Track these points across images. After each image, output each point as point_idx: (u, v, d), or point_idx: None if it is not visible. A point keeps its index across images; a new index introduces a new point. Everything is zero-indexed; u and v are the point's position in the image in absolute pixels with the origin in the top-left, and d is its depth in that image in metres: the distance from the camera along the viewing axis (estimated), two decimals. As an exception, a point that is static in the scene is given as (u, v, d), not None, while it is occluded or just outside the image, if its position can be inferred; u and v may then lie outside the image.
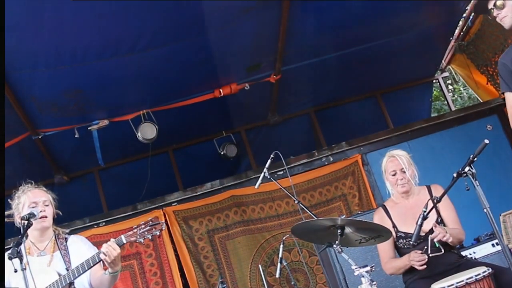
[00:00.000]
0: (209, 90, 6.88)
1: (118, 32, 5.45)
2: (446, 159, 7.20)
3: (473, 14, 7.40)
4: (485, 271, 3.70)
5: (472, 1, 7.05)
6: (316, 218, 4.18)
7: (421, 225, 3.82)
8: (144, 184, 7.36)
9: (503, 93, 3.57)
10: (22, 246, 3.34)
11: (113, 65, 5.84)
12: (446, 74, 9.42)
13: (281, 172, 6.79)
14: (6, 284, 3.73)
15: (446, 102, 10.46)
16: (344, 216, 4.63)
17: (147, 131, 6.74)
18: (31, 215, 3.62)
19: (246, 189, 7.21)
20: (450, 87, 14.80)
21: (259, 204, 7.22)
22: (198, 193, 7.21)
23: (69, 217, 6.06)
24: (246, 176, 7.35)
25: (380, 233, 3.81)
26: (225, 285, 5.67)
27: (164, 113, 6.83)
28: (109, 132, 6.72)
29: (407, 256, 4.16)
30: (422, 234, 4.10)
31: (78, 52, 5.49)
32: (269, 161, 4.87)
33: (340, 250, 3.70)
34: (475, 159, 3.50)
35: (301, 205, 4.69)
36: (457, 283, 3.66)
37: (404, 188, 4.39)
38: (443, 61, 8.65)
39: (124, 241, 3.71)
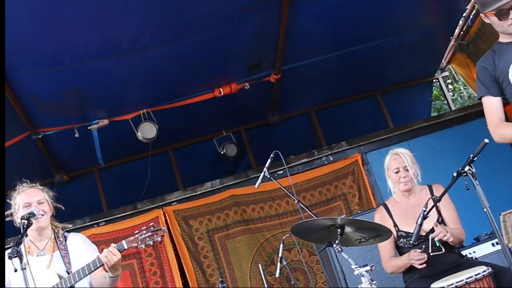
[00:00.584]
0: (209, 90, 6.88)
1: (118, 31, 5.45)
2: (446, 159, 7.20)
3: (473, 13, 7.41)
4: (485, 271, 3.70)
5: (472, 0, 7.05)
6: (316, 218, 4.18)
7: (421, 224, 3.82)
8: (144, 183, 7.37)
9: (479, 99, 3.59)
10: (22, 246, 3.34)
11: (113, 64, 5.84)
12: (446, 73, 9.42)
13: (281, 172, 6.79)
14: (6, 284, 3.73)
15: (446, 101, 10.45)
16: (344, 215, 4.63)
17: (147, 131, 6.75)
18: (31, 215, 3.62)
19: (246, 189, 7.21)
20: (450, 86, 14.78)
21: (259, 204, 7.22)
22: (198, 193, 7.21)
23: (69, 216, 6.05)
24: (246, 176, 7.35)
25: (380, 232, 3.81)
26: (225, 285, 5.67)
27: (164, 112, 6.83)
28: (109, 131, 6.72)
29: (407, 255, 4.16)
30: (423, 233, 4.11)
31: (78, 51, 5.49)
32: (269, 160, 4.86)
33: (340, 249, 3.69)
34: (475, 158, 3.49)
35: (301, 204, 4.68)
36: (457, 282, 3.66)
37: (406, 186, 4.38)
38: (443, 60, 8.65)
39: (125, 247, 3.70)
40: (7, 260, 3.39)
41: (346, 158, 7.44)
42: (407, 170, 4.37)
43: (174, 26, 5.63)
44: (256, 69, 6.91)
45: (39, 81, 5.75)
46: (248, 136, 8.30)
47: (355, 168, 7.36)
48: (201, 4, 5.48)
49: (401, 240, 4.33)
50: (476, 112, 7.77)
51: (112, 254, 3.61)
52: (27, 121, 6.31)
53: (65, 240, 3.93)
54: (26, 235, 3.83)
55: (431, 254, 4.01)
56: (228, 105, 7.25)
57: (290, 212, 7.22)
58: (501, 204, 4.45)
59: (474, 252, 5.38)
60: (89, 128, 6.63)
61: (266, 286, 5.85)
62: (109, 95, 6.33)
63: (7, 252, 3.34)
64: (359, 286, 3.58)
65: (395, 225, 4.38)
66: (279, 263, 5.45)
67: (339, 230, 3.70)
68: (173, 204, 7.09)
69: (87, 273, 3.65)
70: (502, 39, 3.55)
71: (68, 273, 3.72)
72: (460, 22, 7.83)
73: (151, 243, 3.74)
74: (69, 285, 3.64)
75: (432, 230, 4.09)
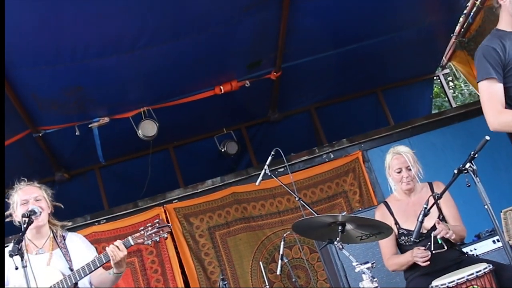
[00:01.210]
0: (209, 87, 6.88)
1: (118, 29, 5.45)
2: (447, 156, 7.20)
3: (473, 10, 7.40)
4: (486, 268, 3.70)
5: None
6: (317, 215, 4.18)
7: (422, 222, 3.81)
8: (144, 181, 7.37)
9: (482, 80, 3.42)
10: (23, 243, 3.34)
11: (114, 62, 5.84)
12: (446, 70, 9.42)
13: (282, 169, 6.80)
14: (5, 283, 3.74)
15: (447, 98, 10.45)
16: (345, 212, 4.63)
17: (148, 129, 6.75)
18: (32, 212, 3.62)
19: (247, 186, 7.21)
20: (450, 83, 14.77)
21: (260, 201, 7.22)
22: (198, 190, 7.21)
23: (70, 214, 6.06)
24: (246, 173, 7.35)
25: (381, 229, 3.80)
26: (226, 282, 5.67)
27: (165, 110, 6.83)
28: (109, 129, 6.72)
29: (410, 252, 4.15)
30: (424, 231, 4.11)
31: (79, 49, 5.49)
32: (269, 158, 4.87)
33: (341, 247, 3.69)
34: (476, 155, 3.49)
35: (302, 202, 4.68)
36: (458, 279, 3.66)
37: (409, 186, 4.38)
38: (443, 57, 8.64)
39: (132, 243, 3.69)
40: (6, 258, 3.38)
41: (347, 156, 7.44)
42: (410, 169, 4.36)
43: (174, 24, 5.63)
44: (257, 67, 6.90)
45: (40, 79, 5.74)
46: (248, 133, 8.29)
47: (356, 166, 7.36)
48: (201, 3, 5.48)
49: (402, 238, 4.32)
50: (477, 109, 7.75)
51: (118, 249, 3.61)
52: (28, 119, 6.31)
53: (64, 240, 3.93)
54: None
55: (434, 252, 4.00)
56: (229, 102, 7.24)
57: (291, 210, 7.22)
58: (502, 201, 4.44)
59: (475, 249, 5.38)
60: (89, 126, 6.63)
61: (267, 283, 5.84)
62: (109, 93, 6.33)
63: (7, 250, 3.33)
64: (360, 284, 3.58)
65: (396, 223, 4.38)
66: (280, 261, 5.45)
67: (340, 228, 3.69)
68: (174, 201, 7.10)
69: (93, 269, 3.65)
70: (506, 27, 3.48)
71: (71, 270, 3.72)
72: (461, 19, 7.81)
73: (157, 239, 3.73)
74: (74, 282, 3.64)
75: (433, 228, 4.09)
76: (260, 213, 7.19)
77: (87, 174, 7.90)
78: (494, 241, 5.41)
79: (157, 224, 3.74)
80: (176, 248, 6.89)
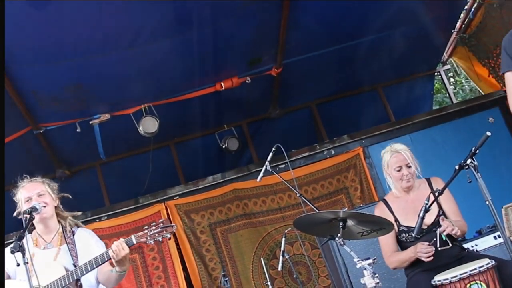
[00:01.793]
0: (210, 84, 6.88)
1: (119, 26, 5.45)
2: (448, 152, 7.19)
3: (474, 6, 7.38)
4: (488, 263, 3.70)
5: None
6: (318, 211, 4.18)
7: (423, 218, 3.81)
8: (145, 178, 7.37)
9: (505, 72, 3.28)
10: (24, 240, 3.34)
11: (114, 59, 5.84)
12: (447, 66, 9.40)
13: (283, 165, 6.79)
14: (6, 277, 3.74)
15: (447, 94, 10.45)
16: (346, 208, 4.62)
17: (149, 125, 6.75)
18: (33, 209, 3.63)
19: (248, 183, 7.21)
20: (451, 79, 14.77)
21: (261, 197, 7.22)
22: (199, 187, 7.21)
23: (71, 211, 6.06)
24: (247, 170, 7.35)
25: (382, 225, 3.80)
26: (227, 278, 5.68)
27: (166, 107, 6.83)
28: (110, 126, 6.73)
29: (412, 248, 4.13)
30: (424, 227, 4.10)
31: (79, 46, 5.49)
32: (270, 154, 4.87)
33: (342, 243, 3.69)
34: (477, 151, 3.49)
35: (303, 198, 4.68)
36: (461, 274, 3.66)
37: (409, 183, 4.37)
38: (444, 53, 8.63)
39: (134, 242, 3.67)
40: (9, 254, 3.38)
41: (348, 152, 7.44)
42: (409, 167, 4.35)
43: (175, 20, 5.63)
44: (257, 63, 6.90)
45: (40, 75, 5.74)
46: (249, 130, 8.29)
47: (357, 162, 7.36)
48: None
49: (403, 235, 4.31)
50: (477, 105, 7.77)
51: (120, 248, 3.61)
52: (28, 116, 6.31)
53: (73, 235, 3.93)
54: (34, 228, 3.88)
55: (439, 248, 3.99)
56: (230, 99, 7.24)
57: (292, 206, 7.22)
58: (503, 197, 4.46)
59: (476, 245, 5.38)
60: (90, 122, 6.63)
61: (268, 279, 5.84)
62: (110, 89, 6.33)
63: (9, 246, 3.34)
64: (361, 280, 3.59)
65: (396, 220, 4.36)
66: (281, 257, 5.45)
67: (341, 224, 3.69)
68: (175, 198, 7.10)
69: (94, 266, 3.64)
70: None
71: (75, 266, 3.73)
72: (462, 15, 7.81)
73: (160, 239, 3.71)
74: (75, 278, 3.65)
75: (434, 224, 4.09)
76: (261, 209, 7.19)
77: (88, 171, 7.90)
78: (495, 237, 5.42)
79: (161, 224, 3.72)
80: (177, 244, 6.89)
